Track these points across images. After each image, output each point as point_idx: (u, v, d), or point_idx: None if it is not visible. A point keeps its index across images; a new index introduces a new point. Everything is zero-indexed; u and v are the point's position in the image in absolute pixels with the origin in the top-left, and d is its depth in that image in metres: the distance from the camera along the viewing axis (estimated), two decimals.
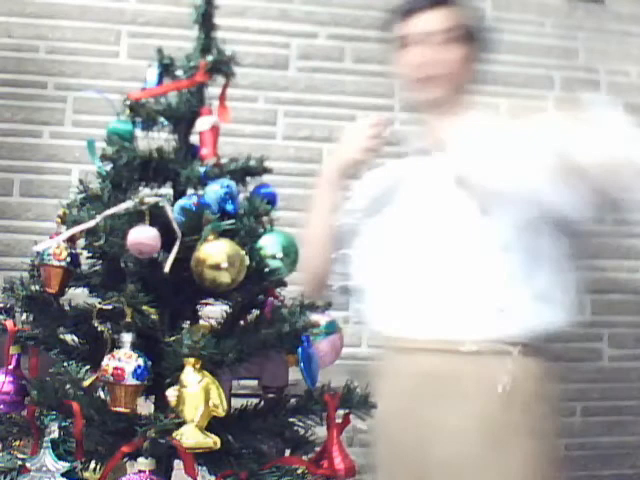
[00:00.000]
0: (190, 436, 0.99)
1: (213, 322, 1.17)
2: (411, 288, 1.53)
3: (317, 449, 1.17)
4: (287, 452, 1.20)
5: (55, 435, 1.04)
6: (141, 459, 1.01)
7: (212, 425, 1.02)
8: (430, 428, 1.46)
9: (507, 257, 1.48)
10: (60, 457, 1.03)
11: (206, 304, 1.19)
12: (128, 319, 1.04)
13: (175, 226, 1.08)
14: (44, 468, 1.02)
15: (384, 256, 1.59)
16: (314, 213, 1.63)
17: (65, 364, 1.12)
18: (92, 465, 1.07)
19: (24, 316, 1.15)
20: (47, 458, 1.03)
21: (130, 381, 1.01)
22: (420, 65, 1.56)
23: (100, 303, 1.09)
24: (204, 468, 1.08)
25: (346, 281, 1.68)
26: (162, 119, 1.20)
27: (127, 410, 1.02)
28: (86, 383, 1.09)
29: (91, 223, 1.09)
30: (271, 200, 1.21)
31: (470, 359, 1.46)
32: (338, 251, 1.67)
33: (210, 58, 1.20)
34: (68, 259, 1.12)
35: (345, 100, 2.68)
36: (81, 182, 1.18)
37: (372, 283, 1.61)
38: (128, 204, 1.09)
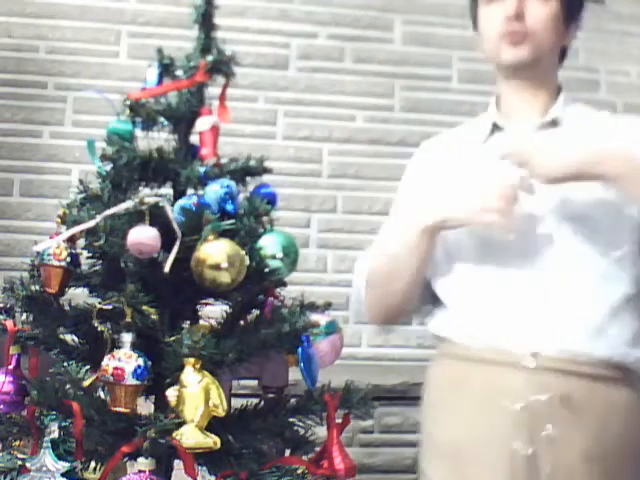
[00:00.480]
0: (190, 436, 0.99)
1: (213, 322, 1.17)
2: (514, 295, 1.32)
3: (317, 449, 1.17)
4: (287, 452, 1.20)
5: (55, 435, 1.04)
6: (141, 459, 1.01)
7: (212, 425, 1.02)
8: (538, 461, 1.26)
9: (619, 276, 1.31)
10: (60, 457, 1.03)
11: (206, 304, 1.19)
12: (128, 319, 1.04)
13: (175, 226, 1.08)
14: (44, 468, 1.02)
15: (471, 258, 1.37)
16: (401, 255, 1.38)
17: (65, 364, 1.12)
18: (92, 465, 1.07)
19: (24, 316, 1.15)
20: (47, 458, 1.03)
21: (130, 381, 1.01)
22: (510, 18, 1.34)
23: (100, 303, 1.09)
24: (204, 468, 1.08)
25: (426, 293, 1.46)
26: (162, 119, 1.20)
27: (127, 410, 1.02)
28: (86, 383, 1.09)
29: (91, 223, 1.09)
30: (271, 200, 1.21)
31: (593, 383, 1.28)
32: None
33: (210, 58, 1.20)
34: (68, 259, 1.12)
35: (345, 100, 2.68)
36: (81, 182, 1.18)
37: (458, 289, 1.39)
38: (128, 204, 1.09)
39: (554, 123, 1.37)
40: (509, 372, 1.28)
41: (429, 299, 1.45)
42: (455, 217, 1.30)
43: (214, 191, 1.13)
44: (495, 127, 1.42)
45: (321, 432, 1.17)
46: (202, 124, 1.19)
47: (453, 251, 1.39)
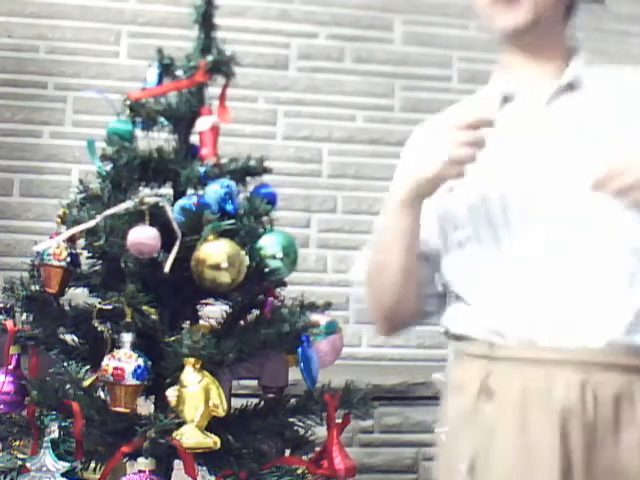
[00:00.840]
0: (190, 436, 0.99)
1: (213, 322, 1.17)
2: (541, 283, 1.16)
3: (317, 449, 1.17)
4: (287, 452, 1.20)
5: (55, 435, 1.04)
6: (141, 459, 1.01)
7: (212, 425, 1.02)
8: (593, 462, 1.10)
9: None
10: (60, 457, 1.03)
11: (206, 304, 1.19)
12: (128, 319, 1.04)
13: (175, 226, 1.08)
14: (44, 468, 1.02)
15: (490, 249, 1.21)
16: (386, 241, 1.25)
17: (65, 364, 1.12)
18: (92, 465, 1.07)
19: (24, 316, 1.15)
20: (47, 458, 1.03)
21: (130, 381, 1.01)
22: None
23: (100, 303, 1.09)
24: (204, 468, 1.08)
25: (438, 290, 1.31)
26: (162, 119, 1.20)
27: (127, 410, 1.02)
28: (86, 383, 1.09)
29: (91, 223, 1.09)
30: (271, 200, 1.21)
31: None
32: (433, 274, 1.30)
33: (210, 58, 1.20)
34: (68, 259, 1.12)
35: (345, 100, 2.68)
36: (81, 182, 1.18)
37: (482, 281, 1.23)
38: (128, 204, 1.09)
39: (571, 86, 1.22)
40: (554, 371, 1.13)
41: (447, 300, 1.31)
42: (424, 177, 1.16)
43: (214, 191, 1.13)
44: (505, 98, 1.26)
45: (321, 432, 1.17)
46: (202, 124, 1.19)
47: (470, 238, 1.24)
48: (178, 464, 1.06)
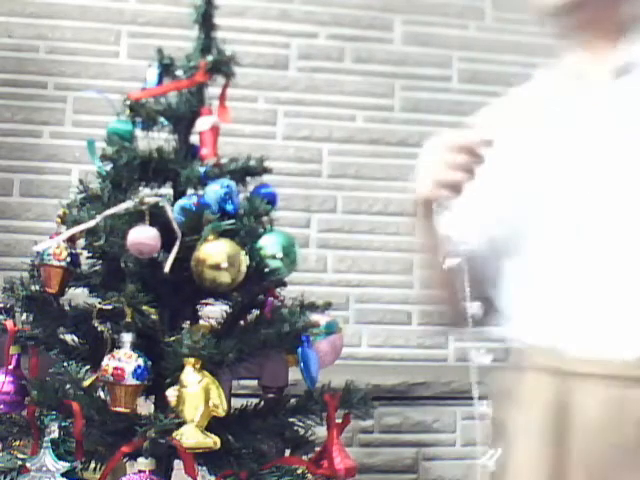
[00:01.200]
0: (190, 436, 0.99)
1: (213, 322, 1.17)
2: (608, 288, 1.09)
3: (317, 449, 1.17)
4: (287, 452, 1.20)
5: (55, 435, 1.04)
6: (141, 459, 1.01)
7: (212, 425, 1.02)
8: None
9: None
10: (60, 457, 1.03)
11: (206, 304, 1.19)
12: (128, 319, 1.04)
13: (175, 226, 1.08)
14: (44, 468, 1.02)
15: (524, 255, 1.17)
16: (417, 247, 1.26)
17: (65, 364, 1.12)
18: (92, 465, 1.07)
19: (24, 316, 1.15)
20: (47, 458, 1.03)
21: (130, 381, 1.01)
22: None
23: (100, 303, 1.09)
24: (204, 468, 1.08)
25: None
26: (162, 119, 1.20)
27: (127, 410, 1.02)
28: (86, 383, 1.09)
29: (91, 223, 1.09)
30: (271, 200, 1.21)
31: None
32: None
33: (210, 58, 1.20)
34: (68, 259, 1.12)
35: (345, 100, 2.68)
36: (81, 182, 1.18)
37: (512, 287, 1.19)
38: (128, 204, 1.09)
39: (627, 67, 1.14)
40: (580, 384, 1.08)
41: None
42: (418, 197, 1.15)
43: (214, 191, 1.13)
44: (568, 82, 1.21)
45: (321, 432, 1.17)
46: (202, 124, 1.19)
47: (509, 243, 1.19)
48: (178, 464, 1.06)
